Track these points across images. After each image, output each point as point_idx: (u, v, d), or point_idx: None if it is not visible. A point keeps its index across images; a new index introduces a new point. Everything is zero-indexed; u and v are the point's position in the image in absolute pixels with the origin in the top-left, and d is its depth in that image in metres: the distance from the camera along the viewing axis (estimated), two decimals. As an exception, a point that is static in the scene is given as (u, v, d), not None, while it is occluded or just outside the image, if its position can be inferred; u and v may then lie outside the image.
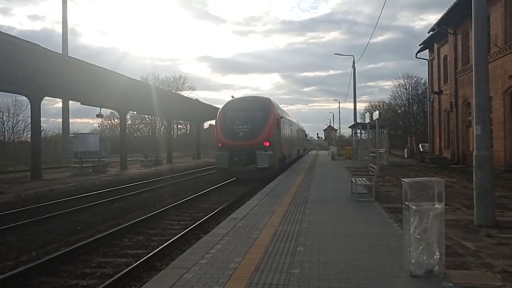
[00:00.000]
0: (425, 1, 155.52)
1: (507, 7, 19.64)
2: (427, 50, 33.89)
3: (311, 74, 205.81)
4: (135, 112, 56.68)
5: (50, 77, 18.35)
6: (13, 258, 7.78)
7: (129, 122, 67.26)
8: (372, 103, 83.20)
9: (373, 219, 8.51)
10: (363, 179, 12.24)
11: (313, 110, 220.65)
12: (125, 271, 6.47)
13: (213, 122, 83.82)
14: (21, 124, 41.71)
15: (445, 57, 29.64)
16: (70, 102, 45.35)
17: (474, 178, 7.99)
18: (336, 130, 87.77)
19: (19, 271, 6.52)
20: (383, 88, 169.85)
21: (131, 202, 14.49)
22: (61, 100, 47.35)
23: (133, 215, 12.14)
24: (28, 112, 29.94)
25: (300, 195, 12.21)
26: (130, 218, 11.56)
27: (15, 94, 31.00)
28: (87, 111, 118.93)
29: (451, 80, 27.31)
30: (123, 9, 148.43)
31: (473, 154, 8.10)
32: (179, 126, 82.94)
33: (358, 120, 39.97)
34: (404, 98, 69.15)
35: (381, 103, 78.03)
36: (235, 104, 21.59)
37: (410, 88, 68.17)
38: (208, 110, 38.13)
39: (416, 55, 34.26)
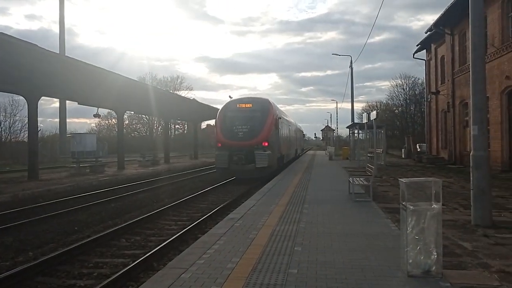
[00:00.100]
0: (422, 1, 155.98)
1: (504, 8, 19.71)
2: (425, 51, 33.98)
3: (308, 74, 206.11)
4: (132, 112, 56.41)
5: (47, 77, 18.30)
6: (10, 258, 7.76)
7: (127, 122, 67.20)
8: (369, 103, 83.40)
9: (371, 219, 8.52)
10: (360, 179, 12.26)
11: (311, 110, 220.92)
12: (122, 271, 6.46)
13: (210, 122, 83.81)
14: (18, 124, 41.62)
15: (442, 58, 29.70)
16: (67, 102, 45.20)
17: (471, 178, 8.00)
18: (334, 130, 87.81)
19: (16, 271, 6.50)
20: (381, 88, 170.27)
21: (129, 202, 14.47)
22: (58, 100, 47.25)
23: (131, 215, 12.13)
24: (25, 112, 29.94)
25: (297, 195, 12.22)
26: (127, 218, 11.55)
27: (12, 94, 30.92)
28: (84, 111, 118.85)
29: (448, 80, 27.37)
30: (120, 9, 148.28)
31: (470, 154, 8.11)
32: (177, 126, 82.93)
33: (356, 120, 40.02)
34: (401, 98, 69.38)
35: (378, 103, 78.30)
36: (234, 105, 21.96)
37: (408, 88, 68.39)
38: (205, 110, 38.10)
39: (413, 55, 34.36)
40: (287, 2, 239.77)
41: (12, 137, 41.31)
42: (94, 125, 74.34)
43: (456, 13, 22.41)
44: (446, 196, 11.40)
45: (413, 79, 67.12)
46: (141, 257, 7.24)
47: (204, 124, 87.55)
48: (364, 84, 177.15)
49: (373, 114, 22.72)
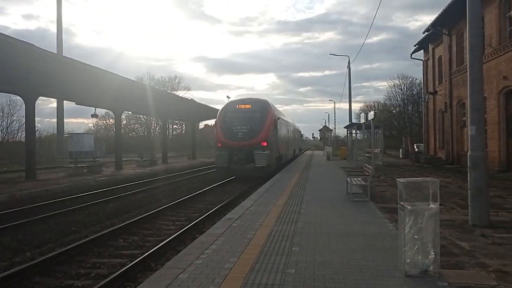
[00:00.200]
0: (419, 1, 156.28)
1: (501, 8, 19.74)
2: (422, 51, 34.02)
3: (306, 74, 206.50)
4: (130, 112, 56.56)
5: (45, 76, 18.27)
6: (7, 258, 7.74)
7: (124, 122, 66.96)
8: (367, 104, 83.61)
9: (369, 219, 8.53)
10: (358, 179, 12.28)
11: (309, 110, 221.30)
12: (120, 271, 6.46)
13: (208, 122, 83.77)
14: (15, 124, 41.40)
15: (440, 58, 29.75)
16: (65, 102, 45.19)
17: (468, 178, 8.02)
18: (332, 130, 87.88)
19: (14, 271, 6.49)
20: (378, 88, 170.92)
21: (126, 202, 14.45)
22: (55, 100, 47.20)
23: (128, 215, 12.11)
24: (22, 112, 29.80)
25: (295, 195, 12.22)
26: (125, 218, 11.53)
27: (9, 94, 30.81)
28: (82, 111, 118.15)
29: (445, 80, 27.41)
30: (118, 9, 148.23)
31: (468, 154, 8.13)
32: (174, 126, 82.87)
33: (353, 120, 40.12)
34: (399, 99, 69.47)
35: (376, 104, 78.38)
36: (234, 106, 22.51)
37: (405, 88, 68.48)
38: (203, 110, 38.08)
39: (411, 55, 34.46)
40: (284, 2, 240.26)
41: (9, 137, 41.16)
42: (92, 125, 74.30)
43: (453, 13, 22.45)
44: (443, 196, 11.42)
45: (410, 79, 67.32)
46: (139, 257, 7.24)
47: (202, 124, 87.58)
48: (362, 84, 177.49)
49: (371, 114, 22.78)
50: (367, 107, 77.12)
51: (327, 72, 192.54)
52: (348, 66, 40.58)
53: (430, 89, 32.15)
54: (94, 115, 29.71)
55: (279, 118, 24.57)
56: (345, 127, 39.81)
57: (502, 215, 9.09)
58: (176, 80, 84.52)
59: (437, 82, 30.97)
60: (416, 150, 35.65)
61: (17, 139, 40.37)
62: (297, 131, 45.65)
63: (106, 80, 20.11)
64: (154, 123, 74.08)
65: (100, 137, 59.88)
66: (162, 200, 14.98)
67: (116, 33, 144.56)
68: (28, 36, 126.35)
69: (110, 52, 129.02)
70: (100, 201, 14.28)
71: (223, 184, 19.73)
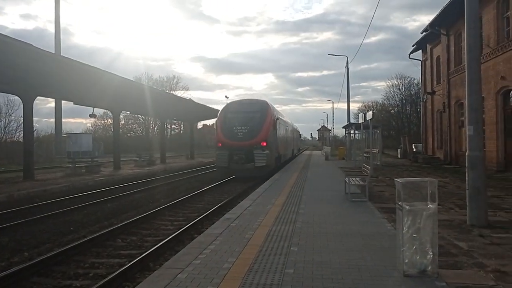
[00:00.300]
0: (417, 2, 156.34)
1: (499, 9, 19.79)
2: (420, 51, 34.06)
3: (304, 74, 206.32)
4: (128, 112, 56.54)
5: (43, 76, 18.24)
6: (5, 259, 7.73)
7: (123, 122, 67.09)
8: (365, 104, 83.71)
9: (367, 219, 8.53)
10: (356, 179, 12.28)
11: (307, 110, 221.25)
12: (118, 271, 6.44)
13: (207, 122, 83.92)
14: (13, 124, 41.25)
15: (438, 58, 29.79)
16: (63, 102, 45.13)
17: (466, 178, 8.03)
18: (330, 130, 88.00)
19: (12, 271, 6.48)
20: (377, 88, 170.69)
21: (125, 202, 14.44)
22: (53, 99, 47.04)
23: (127, 215, 12.10)
24: (20, 112, 29.68)
25: (294, 195, 12.23)
26: (123, 218, 11.52)
27: (7, 94, 30.76)
28: (80, 111, 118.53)
29: (443, 80, 27.45)
30: (116, 9, 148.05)
31: (466, 154, 8.14)
32: (173, 126, 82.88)
33: (352, 121, 40.11)
34: (397, 99, 69.64)
35: (374, 104, 78.54)
36: (234, 106, 22.99)
37: (403, 88, 68.64)
38: (201, 110, 38.08)
39: (409, 55, 34.41)
40: (283, 2, 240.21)
41: (7, 137, 41.05)
42: (90, 125, 74.35)
43: (451, 13, 22.49)
44: (441, 196, 11.44)
45: (408, 79, 67.49)
46: (137, 257, 7.23)
47: (200, 124, 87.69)
48: (360, 84, 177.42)
49: (369, 114, 22.78)
50: (365, 107, 77.36)
51: (325, 72, 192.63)
52: (347, 66, 40.63)
53: (428, 89, 32.19)
54: (92, 115, 29.72)
55: (278, 119, 24.92)
56: (343, 127, 39.80)
57: (500, 215, 9.10)
58: (175, 80, 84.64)
59: (435, 82, 31.01)
60: (414, 150, 35.74)
61: (15, 139, 40.28)
62: (295, 131, 45.79)
63: (104, 80, 20.10)
64: (153, 123, 74.08)
65: (98, 137, 59.70)
66: (160, 200, 14.97)
67: (114, 33, 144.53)
68: (26, 36, 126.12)
69: (108, 52, 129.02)
70: (99, 201, 14.27)
71: (222, 184, 19.74)
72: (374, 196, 11.95)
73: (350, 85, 40.88)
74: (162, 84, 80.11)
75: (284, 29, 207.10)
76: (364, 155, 27.56)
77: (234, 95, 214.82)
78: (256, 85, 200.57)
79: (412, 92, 66.24)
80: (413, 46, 33.29)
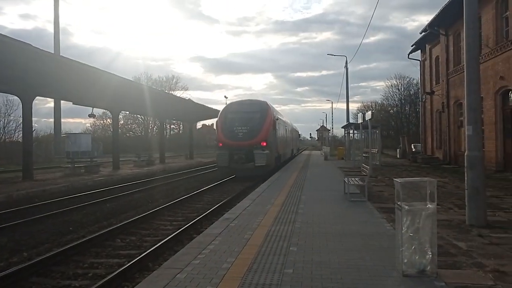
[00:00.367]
0: (417, 2, 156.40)
1: (498, 9, 19.80)
2: (419, 51, 34.09)
3: (304, 74, 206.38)
4: (127, 112, 56.45)
5: (42, 76, 18.22)
6: (4, 259, 7.72)
7: (122, 122, 67.06)
8: (364, 104, 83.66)
9: (366, 219, 8.54)
10: (355, 179, 12.28)
11: (306, 110, 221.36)
12: (117, 271, 6.44)
13: (206, 122, 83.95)
14: (12, 124, 41.20)
15: (437, 58, 29.81)
16: (62, 102, 45.02)
17: (465, 178, 8.03)
18: (329, 130, 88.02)
19: (11, 271, 6.47)
20: (376, 88, 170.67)
21: (124, 203, 14.43)
22: (52, 99, 47.00)
23: (126, 215, 12.10)
24: (19, 112, 29.65)
25: (293, 195, 12.23)
26: (122, 218, 11.52)
27: (6, 94, 30.75)
28: (79, 111, 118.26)
29: (443, 80, 27.47)
30: (115, 9, 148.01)
31: (465, 154, 8.14)
32: (172, 126, 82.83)
33: (351, 120, 40.05)
34: (396, 99, 69.65)
35: (373, 104, 78.55)
36: (234, 107, 23.31)
37: (402, 88, 68.66)
38: (201, 110, 38.05)
39: (408, 55, 34.44)
40: (282, 2, 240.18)
41: (6, 137, 41.01)
42: (89, 125, 74.31)
43: (450, 14, 22.50)
44: (441, 196, 11.45)
45: (408, 79, 67.50)
46: (136, 257, 7.23)
47: (199, 124, 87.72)
48: (359, 84, 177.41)
49: (368, 114, 22.86)
50: (364, 107, 77.38)
51: (324, 72, 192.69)
52: (346, 66, 40.63)
53: (427, 89, 32.20)
54: (91, 115, 29.68)
55: (277, 119, 25.16)
56: (342, 127, 39.83)
57: (499, 215, 9.11)
58: (174, 80, 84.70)
59: (434, 82, 31.03)
60: (414, 150, 35.74)
61: (14, 139, 40.25)
62: (295, 131, 45.88)
63: (103, 80, 20.08)
64: (152, 123, 74.10)
65: (97, 137, 59.76)
66: (159, 200, 14.96)
67: (114, 33, 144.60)
68: (25, 36, 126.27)
69: (107, 52, 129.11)
70: (98, 201, 14.26)
71: (221, 184, 19.75)
72: (373, 196, 11.96)
73: (349, 85, 40.95)
74: (162, 84, 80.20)
75: (283, 29, 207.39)
76: (363, 155, 27.61)
77: (233, 95, 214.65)
78: (255, 85, 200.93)
79: (411, 92, 66.34)
80: (412, 46, 33.33)
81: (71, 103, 25.55)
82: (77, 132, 47.89)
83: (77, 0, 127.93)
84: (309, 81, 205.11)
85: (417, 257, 4.84)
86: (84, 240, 8.59)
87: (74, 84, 20.41)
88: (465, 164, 8.05)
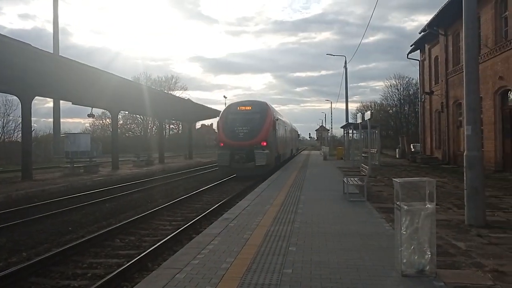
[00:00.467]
0: (416, 2, 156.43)
1: (497, 9, 19.81)
2: (418, 51, 34.09)
3: (303, 74, 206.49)
4: (126, 112, 56.35)
5: (41, 76, 18.20)
6: (3, 259, 7.71)
7: (121, 122, 66.96)
8: (363, 104, 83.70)
9: (365, 219, 8.54)
10: (355, 179, 12.28)
11: (305, 110, 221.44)
12: (116, 271, 6.44)
13: (205, 122, 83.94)
14: (11, 124, 41.10)
15: (436, 58, 29.82)
16: (61, 101, 45.00)
17: (464, 178, 8.03)
18: (328, 130, 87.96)
19: (10, 271, 6.47)
20: (375, 88, 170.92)
21: (123, 203, 14.43)
22: (52, 99, 46.99)
23: (125, 215, 12.09)
24: (18, 111, 29.61)
25: (292, 195, 12.23)
26: (121, 218, 11.51)
27: (6, 94, 30.71)
28: (78, 111, 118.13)
29: (442, 80, 27.49)
30: (114, 9, 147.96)
31: (464, 154, 8.15)
32: (171, 126, 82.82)
33: (350, 120, 40.08)
34: (395, 99, 69.68)
35: (372, 104, 78.58)
36: (235, 108, 23.71)
37: (402, 88, 68.69)
38: (200, 110, 38.03)
39: (407, 55, 34.44)
40: (281, 2, 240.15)
41: (5, 137, 40.93)
42: (88, 125, 74.20)
43: (449, 13, 22.51)
44: (440, 196, 11.45)
45: (407, 79, 67.53)
46: (136, 257, 7.22)
47: (198, 124, 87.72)
48: (359, 84, 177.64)
49: (367, 114, 22.88)
50: (363, 107, 77.36)
51: (323, 72, 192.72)
52: (345, 66, 40.65)
53: (427, 89, 32.22)
54: (90, 115, 29.68)
55: (277, 119, 25.52)
56: (341, 127, 39.89)
57: (498, 215, 9.11)
58: (173, 80, 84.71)
59: (433, 82, 31.04)
60: (413, 150, 35.75)
61: (13, 139, 40.15)
62: (294, 131, 45.98)
63: (102, 80, 20.07)
64: (151, 123, 74.08)
65: (96, 137, 59.78)
66: (158, 200, 14.96)
67: (113, 33, 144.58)
68: (24, 36, 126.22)
69: (106, 52, 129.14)
70: (97, 201, 14.25)
71: (220, 184, 19.77)
72: (372, 196, 11.96)
73: (349, 85, 40.97)
74: (161, 84, 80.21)
75: (283, 29, 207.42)
76: (363, 155, 27.64)
77: (232, 95, 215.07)
78: (254, 85, 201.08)
79: (410, 92, 66.33)
80: (411, 46, 33.35)
81: (70, 103, 25.56)
82: (76, 132, 48.02)
83: (76, 0, 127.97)
84: (308, 81, 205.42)
85: (416, 257, 4.84)
86: (83, 240, 8.59)
87: (74, 84, 20.39)
88: (464, 164, 8.06)
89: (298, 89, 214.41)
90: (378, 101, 76.81)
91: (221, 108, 25.66)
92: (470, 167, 7.93)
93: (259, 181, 18.47)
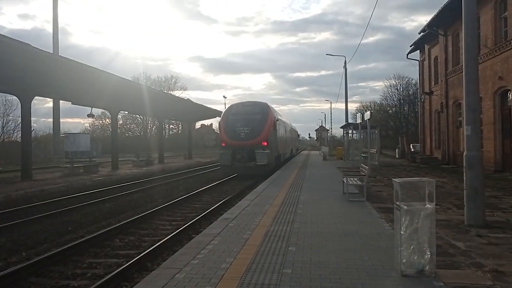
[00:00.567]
0: (415, 2, 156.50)
1: (497, 9, 19.82)
2: (418, 51, 34.09)
3: (302, 74, 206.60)
4: (126, 112, 56.32)
5: (41, 76, 18.19)
6: (3, 259, 7.71)
7: (121, 122, 67.06)
8: (363, 104, 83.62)
9: (365, 219, 8.54)
10: (354, 179, 12.28)
11: (305, 110, 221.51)
12: (116, 271, 6.44)
13: (205, 122, 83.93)
14: (11, 124, 41.11)
15: (436, 58, 29.83)
16: (61, 101, 44.94)
17: (464, 178, 8.04)
18: (328, 130, 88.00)
19: (10, 271, 6.47)
20: (374, 88, 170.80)
21: (123, 203, 14.42)
22: (51, 99, 46.93)
23: (125, 215, 12.09)
24: (18, 112, 29.70)
25: (291, 195, 12.23)
26: (121, 218, 11.51)
27: (5, 94, 30.72)
28: (78, 111, 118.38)
29: (441, 81, 27.49)
30: (114, 9, 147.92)
31: (464, 154, 8.15)
32: (171, 126, 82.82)
33: (350, 121, 40.11)
34: (395, 99, 69.61)
35: (372, 104, 78.55)
36: (236, 108, 24.17)
37: (401, 88, 68.64)
38: (200, 110, 38.02)
39: (407, 55, 34.44)
40: (281, 2, 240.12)
41: (5, 137, 40.92)
42: (88, 125, 74.19)
43: (449, 14, 22.51)
44: (439, 196, 11.45)
45: (406, 79, 67.47)
46: (135, 257, 7.22)
47: (198, 124, 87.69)
48: (358, 84, 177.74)
49: (367, 114, 22.87)
50: (363, 107, 77.36)
51: (323, 72, 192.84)
52: (344, 66, 40.67)
53: (426, 89, 32.23)
54: (90, 115, 29.71)
55: (278, 120, 25.94)
56: (341, 127, 39.93)
57: (497, 215, 9.12)
58: (173, 80, 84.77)
59: (433, 82, 31.05)
60: (412, 150, 35.76)
61: (13, 139, 40.17)
62: (294, 131, 46.10)
63: (102, 80, 20.06)
64: (151, 123, 74.10)
65: (96, 137, 59.76)
66: (158, 200, 14.96)
67: (113, 33, 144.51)
68: (24, 36, 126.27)
69: (106, 52, 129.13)
70: (97, 201, 14.25)
71: (220, 184, 19.78)
72: (372, 196, 11.96)
73: (348, 85, 41.14)
74: (160, 84, 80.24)
75: (282, 29, 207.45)
76: (362, 155, 27.65)
77: (232, 95, 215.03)
78: (254, 85, 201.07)
79: (410, 92, 66.30)
80: (411, 46, 33.35)
81: (70, 103, 25.55)
82: (76, 132, 47.93)
83: (76, 0, 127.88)
84: (308, 81, 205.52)
85: (415, 257, 4.85)
86: (82, 240, 8.58)
87: (73, 84, 20.38)
88: (464, 164, 8.06)
89: (297, 89, 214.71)
90: (378, 101, 76.85)
91: (220, 108, 25.98)
92: (470, 167, 7.94)
93: (258, 181, 18.54)
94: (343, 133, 40.16)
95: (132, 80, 40.24)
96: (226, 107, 26.29)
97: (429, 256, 4.84)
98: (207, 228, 8.01)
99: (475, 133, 8.06)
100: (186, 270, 5.27)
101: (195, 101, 41.61)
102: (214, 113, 40.72)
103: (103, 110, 50.39)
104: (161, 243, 8.16)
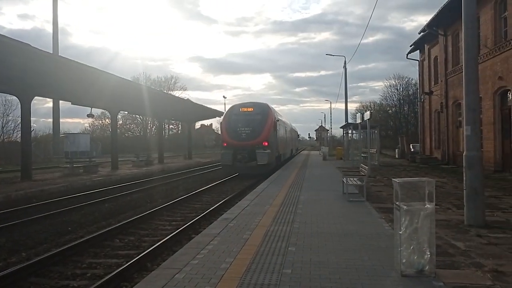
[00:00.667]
0: (415, 2, 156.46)
1: (497, 9, 19.82)
2: (418, 51, 34.10)
3: (302, 74, 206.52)
4: (126, 112, 56.32)
5: (40, 76, 18.20)
6: (2, 259, 7.71)
7: (120, 122, 67.01)
8: (363, 104, 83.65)
9: (364, 219, 8.54)
10: (354, 179, 12.28)
11: (305, 111, 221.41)
12: (116, 271, 6.44)
13: (205, 122, 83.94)
14: (11, 124, 41.08)
15: (436, 58, 29.83)
16: (61, 102, 44.91)
17: (464, 178, 8.04)
18: (328, 130, 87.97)
19: (9, 271, 6.46)
20: (374, 88, 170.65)
21: (122, 203, 14.42)
22: (51, 99, 46.91)
23: (124, 215, 12.09)
24: (18, 112, 29.58)
25: (291, 195, 12.23)
26: (121, 218, 11.51)
27: (5, 94, 30.71)
28: (78, 111, 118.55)
29: (441, 81, 27.49)
30: (114, 9, 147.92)
31: (463, 154, 8.15)
32: (171, 126, 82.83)
33: (349, 121, 40.12)
34: (395, 99, 69.67)
35: (372, 104, 78.60)
36: (238, 109, 24.55)
37: (401, 88, 68.69)
38: (199, 111, 38.02)
39: (407, 56, 34.45)
40: (281, 3, 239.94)
41: (5, 137, 40.91)
42: (88, 125, 74.13)
43: (449, 14, 22.51)
44: (439, 196, 11.46)
45: (406, 79, 67.53)
46: (135, 257, 7.22)
47: (198, 124, 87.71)
48: (358, 84, 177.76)
49: (367, 114, 22.86)
50: (363, 107, 77.37)
51: (323, 72, 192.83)
52: (344, 66, 40.67)
53: (426, 89, 32.23)
54: (90, 115, 29.77)
55: (278, 120, 26.36)
56: (341, 127, 39.94)
57: (497, 215, 9.12)
58: (172, 80, 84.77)
59: (433, 82, 31.06)
60: (412, 150, 35.75)
61: (12, 139, 40.14)
62: (294, 132, 46.24)
63: (102, 80, 20.06)
64: (150, 123, 74.09)
65: (96, 137, 59.73)
66: (158, 200, 14.95)
67: (112, 33, 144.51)
68: (23, 36, 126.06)
69: (106, 52, 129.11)
70: (96, 201, 14.25)
71: (220, 184, 19.80)
72: (371, 196, 11.96)
73: (348, 85, 41.16)
74: (160, 84, 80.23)
75: (282, 29, 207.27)
76: (362, 155, 27.65)
77: (232, 95, 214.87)
78: (254, 85, 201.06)
79: (409, 92, 66.35)
80: (410, 46, 33.37)
81: (70, 103, 25.55)
82: (75, 132, 47.94)
83: (76, 0, 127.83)
84: (307, 81, 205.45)
85: (415, 257, 4.85)
86: (82, 240, 8.59)
87: (73, 84, 20.38)
88: (464, 164, 8.06)
89: (297, 89, 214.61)
90: (378, 101, 76.90)
91: (220, 108, 26.13)
92: (470, 167, 7.94)
93: (259, 181, 18.58)
94: (343, 133, 40.19)
95: (132, 80, 40.23)
96: (228, 108, 26.75)
97: (429, 256, 4.84)
98: (206, 228, 8.01)
99: (475, 133, 8.06)
100: (186, 270, 5.27)
101: (195, 101, 41.64)
102: (213, 113, 40.75)
103: (103, 110, 50.49)
104: (160, 243, 8.16)
